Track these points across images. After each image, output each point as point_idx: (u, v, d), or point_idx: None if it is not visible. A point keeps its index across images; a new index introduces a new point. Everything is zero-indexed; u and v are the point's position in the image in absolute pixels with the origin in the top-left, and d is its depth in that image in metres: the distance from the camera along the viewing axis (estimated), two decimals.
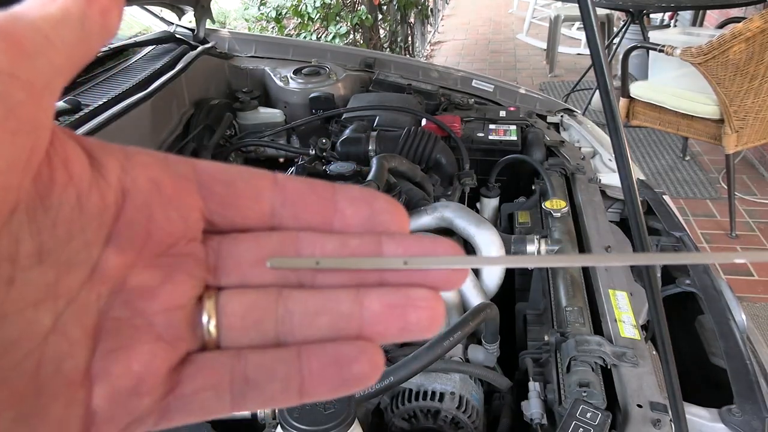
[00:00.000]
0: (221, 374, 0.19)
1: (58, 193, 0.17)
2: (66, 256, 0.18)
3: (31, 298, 0.17)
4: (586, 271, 1.00)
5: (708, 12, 3.83)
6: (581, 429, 0.67)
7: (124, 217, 0.19)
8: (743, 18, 2.45)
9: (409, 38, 4.83)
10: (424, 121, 1.41)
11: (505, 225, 1.26)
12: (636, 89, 2.70)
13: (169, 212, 0.20)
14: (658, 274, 1.05)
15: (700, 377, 0.90)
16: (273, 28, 3.59)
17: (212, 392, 0.19)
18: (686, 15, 4.12)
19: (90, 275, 0.18)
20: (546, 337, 0.85)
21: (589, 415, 0.69)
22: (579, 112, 1.61)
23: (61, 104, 1.12)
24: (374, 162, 1.11)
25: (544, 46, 4.97)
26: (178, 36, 1.64)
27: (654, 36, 2.80)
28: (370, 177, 1.07)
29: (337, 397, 0.21)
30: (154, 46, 1.56)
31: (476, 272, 1.03)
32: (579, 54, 5.02)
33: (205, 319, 0.20)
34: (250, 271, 0.21)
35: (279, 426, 0.62)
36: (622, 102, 2.74)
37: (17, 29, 0.17)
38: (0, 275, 0.16)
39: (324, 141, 1.34)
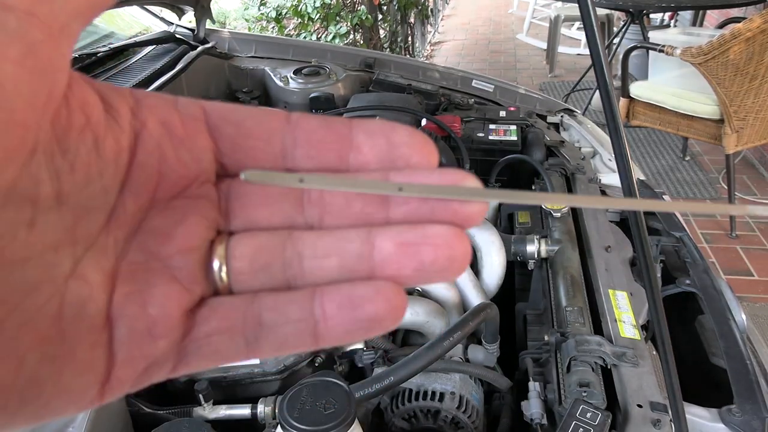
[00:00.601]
0: (234, 317, 0.19)
1: (76, 136, 0.17)
2: (84, 200, 0.18)
3: (51, 242, 0.17)
4: (586, 271, 1.00)
5: (708, 12, 3.83)
6: (581, 429, 0.67)
7: (138, 161, 0.19)
8: (743, 18, 2.46)
9: (409, 38, 4.84)
10: (424, 121, 1.41)
11: (505, 225, 1.26)
12: (636, 89, 2.70)
13: (181, 154, 0.19)
14: (658, 275, 1.05)
15: (700, 377, 0.90)
16: (273, 28, 3.60)
17: (226, 335, 0.19)
18: (686, 15, 4.12)
19: (107, 220, 0.18)
20: (546, 337, 0.85)
21: (589, 415, 0.69)
22: (579, 112, 1.61)
23: None
24: None
25: (544, 46, 4.97)
26: (178, 36, 1.64)
27: (654, 36, 2.80)
28: None
29: (354, 341, 0.19)
30: (154, 46, 1.56)
31: (476, 272, 1.03)
32: (579, 54, 5.02)
33: (216, 264, 0.20)
34: (258, 212, 0.20)
35: (279, 426, 0.62)
36: (622, 102, 2.74)
37: None
38: (21, 217, 0.16)
39: None
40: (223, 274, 0.19)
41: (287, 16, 3.57)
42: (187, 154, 0.19)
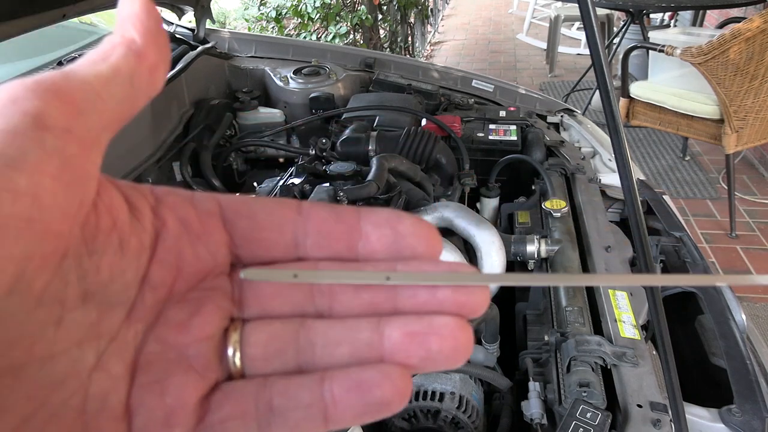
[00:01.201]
0: (247, 402, 0.20)
1: (103, 239, 0.18)
2: (107, 297, 0.19)
3: (76, 338, 0.18)
4: (586, 271, 1.00)
5: (708, 12, 3.83)
6: (581, 429, 0.67)
7: (157, 258, 0.20)
8: (743, 18, 2.45)
9: (409, 38, 4.83)
10: (424, 121, 1.41)
11: (505, 225, 1.26)
12: (636, 89, 2.70)
13: (198, 249, 0.21)
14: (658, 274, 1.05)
15: (700, 377, 0.90)
16: (273, 28, 3.59)
17: (239, 421, 0.20)
18: (686, 15, 4.12)
19: (128, 314, 0.19)
20: (546, 337, 0.85)
21: (589, 415, 0.69)
22: (579, 112, 1.61)
23: None
24: (374, 162, 1.11)
25: (544, 46, 4.97)
26: (178, 36, 1.64)
27: (654, 36, 2.80)
28: (370, 177, 1.07)
29: (363, 423, 0.20)
30: None
31: None
32: (579, 54, 5.02)
33: (230, 351, 0.20)
34: (270, 302, 0.21)
35: None
36: (622, 102, 2.74)
37: (71, 87, 0.18)
38: (50, 317, 0.17)
39: (324, 141, 1.34)
40: (237, 360, 0.20)
41: (287, 16, 3.57)
42: (203, 249, 0.21)
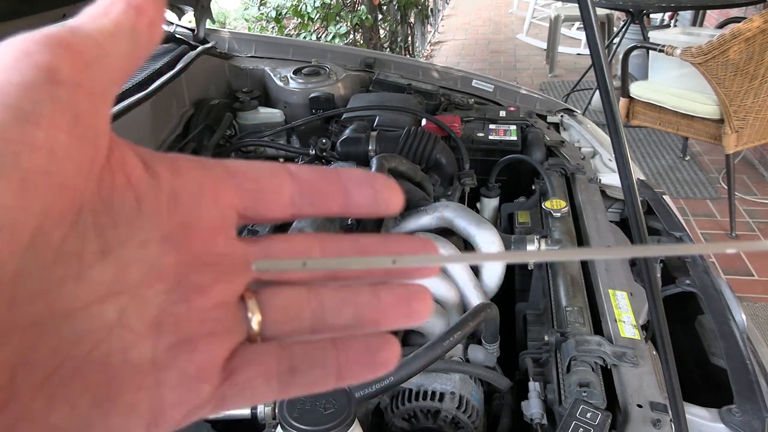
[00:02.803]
0: (270, 363, 0.22)
1: (119, 194, 0.19)
2: (126, 253, 0.19)
3: (96, 294, 0.18)
4: (586, 271, 1.00)
5: (708, 12, 3.83)
6: (581, 429, 0.67)
7: (176, 218, 0.20)
8: (743, 18, 2.46)
9: (409, 38, 4.83)
10: (424, 121, 1.41)
11: (505, 225, 1.26)
12: (636, 89, 2.70)
13: (212, 210, 0.21)
14: (658, 274, 1.05)
15: (700, 377, 0.90)
16: (273, 28, 3.60)
17: (263, 380, 0.21)
18: (686, 15, 4.12)
19: (148, 272, 0.20)
20: (546, 337, 0.85)
21: (589, 415, 0.69)
22: (579, 112, 1.61)
23: None
24: (374, 162, 1.11)
25: (544, 46, 4.97)
26: (178, 36, 1.64)
27: (654, 36, 2.80)
28: None
29: (366, 380, 0.24)
30: None
31: (476, 272, 1.03)
32: (579, 54, 5.02)
33: (249, 315, 0.22)
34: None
35: (279, 426, 0.62)
36: (622, 102, 2.74)
37: (78, 41, 0.18)
38: (69, 272, 0.18)
39: (324, 141, 1.34)
40: (255, 324, 0.22)
41: (287, 16, 3.57)
42: (215, 210, 0.21)
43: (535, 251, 0.23)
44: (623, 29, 3.38)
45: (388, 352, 0.23)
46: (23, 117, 0.16)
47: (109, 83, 0.19)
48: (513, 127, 1.43)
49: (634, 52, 2.72)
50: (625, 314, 0.88)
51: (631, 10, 3.16)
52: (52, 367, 0.17)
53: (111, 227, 0.19)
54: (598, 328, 0.87)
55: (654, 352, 0.82)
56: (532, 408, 0.76)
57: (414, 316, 0.24)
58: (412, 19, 4.81)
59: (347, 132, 1.34)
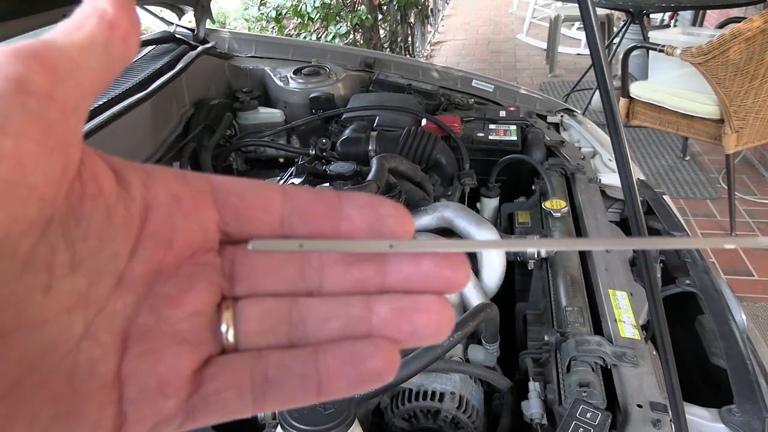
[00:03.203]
0: (242, 374, 0.20)
1: (89, 206, 0.19)
2: (96, 265, 0.19)
3: (65, 305, 0.18)
4: (586, 271, 1.00)
5: (708, 12, 3.83)
6: (581, 429, 0.67)
7: (148, 230, 0.20)
8: (743, 18, 2.45)
9: (409, 38, 4.83)
10: (424, 121, 1.41)
11: (505, 225, 1.26)
12: (636, 89, 2.70)
13: (189, 223, 0.21)
14: (658, 275, 1.05)
15: (700, 377, 0.90)
16: (273, 28, 3.59)
17: (234, 391, 0.20)
18: (686, 15, 4.12)
19: (117, 284, 0.20)
20: (546, 337, 0.85)
21: (589, 415, 0.69)
22: (579, 112, 1.61)
23: None
24: (374, 162, 1.11)
25: (544, 46, 4.97)
26: (178, 36, 1.64)
27: (654, 36, 2.80)
28: (370, 177, 1.07)
29: (352, 395, 0.21)
30: (154, 46, 1.56)
31: (476, 272, 1.03)
32: (579, 54, 5.02)
33: (224, 328, 0.21)
34: (262, 279, 0.22)
35: (279, 426, 0.62)
36: (622, 102, 2.74)
37: (50, 53, 0.18)
38: (38, 283, 0.17)
39: (324, 141, 1.34)
40: (230, 336, 0.21)
41: (287, 16, 3.57)
42: (194, 224, 0.21)
43: (535, 240, 0.22)
44: (623, 29, 3.38)
45: (377, 362, 0.20)
46: None
47: (81, 97, 0.19)
48: (513, 127, 1.43)
49: (634, 52, 2.72)
50: (625, 314, 0.88)
51: (631, 10, 3.16)
52: (17, 378, 0.17)
53: (81, 239, 0.18)
54: (598, 328, 0.87)
55: (654, 352, 0.82)
56: (532, 408, 0.76)
57: (418, 333, 0.20)
58: (412, 19, 4.81)
59: (347, 132, 1.34)
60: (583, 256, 1.04)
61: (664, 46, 2.44)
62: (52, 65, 0.18)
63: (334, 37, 3.50)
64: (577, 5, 0.57)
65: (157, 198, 0.20)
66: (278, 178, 1.27)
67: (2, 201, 0.16)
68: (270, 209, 0.22)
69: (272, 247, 0.21)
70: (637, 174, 1.30)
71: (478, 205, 1.34)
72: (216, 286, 0.21)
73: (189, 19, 1.75)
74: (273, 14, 3.52)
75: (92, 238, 0.19)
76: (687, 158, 3.32)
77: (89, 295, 0.19)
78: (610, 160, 1.36)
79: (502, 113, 1.51)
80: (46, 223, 0.17)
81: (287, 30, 3.64)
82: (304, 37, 3.48)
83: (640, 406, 0.72)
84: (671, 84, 2.62)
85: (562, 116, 1.57)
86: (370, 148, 1.29)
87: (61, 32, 0.19)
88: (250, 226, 0.22)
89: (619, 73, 2.73)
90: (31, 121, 0.17)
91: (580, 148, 1.42)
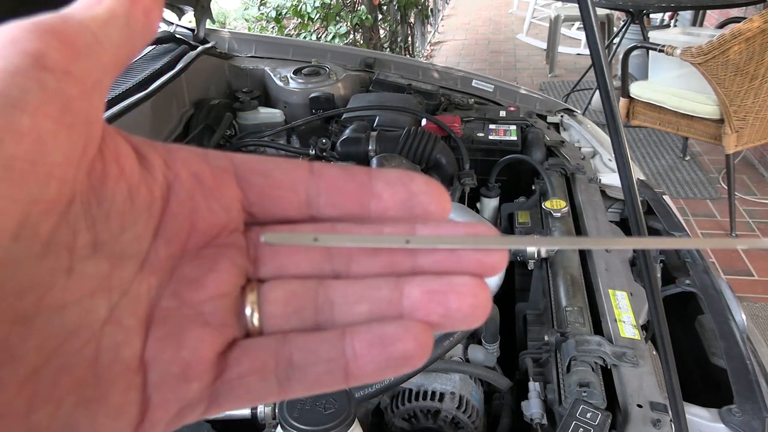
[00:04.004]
0: (266, 358, 0.20)
1: (111, 186, 0.18)
2: (119, 247, 0.18)
3: (87, 288, 0.17)
4: (586, 271, 1.00)
5: (708, 12, 3.83)
6: (581, 429, 0.67)
7: (170, 210, 0.20)
8: (743, 18, 2.46)
9: (409, 38, 4.83)
10: (424, 121, 1.41)
11: (505, 225, 1.26)
12: (636, 89, 2.70)
13: (212, 204, 0.20)
14: (658, 275, 1.05)
15: (700, 377, 0.90)
16: (273, 28, 3.59)
17: (258, 376, 0.20)
18: (686, 15, 4.12)
19: (141, 266, 0.19)
20: (546, 337, 0.85)
21: (589, 415, 0.69)
22: (579, 112, 1.61)
23: None
24: (374, 162, 1.11)
25: (544, 46, 4.97)
26: (178, 36, 1.64)
27: (654, 36, 2.80)
28: None
29: (384, 379, 0.21)
30: (154, 46, 1.56)
31: None
32: (579, 54, 5.02)
33: (248, 311, 0.20)
34: (288, 260, 0.21)
35: (279, 426, 0.62)
36: (622, 102, 2.74)
37: (68, 28, 0.17)
38: (59, 264, 0.17)
39: (324, 141, 1.34)
40: (255, 320, 0.20)
41: (287, 16, 3.57)
42: (216, 204, 0.20)
43: (542, 238, 0.22)
44: (623, 29, 3.38)
45: (407, 344, 0.19)
46: (9, 103, 0.15)
47: (102, 72, 0.18)
48: (513, 127, 1.43)
49: (634, 52, 2.72)
50: (625, 314, 0.88)
51: (631, 10, 3.16)
52: (38, 364, 0.16)
53: (103, 220, 0.18)
54: (598, 328, 0.87)
55: (654, 352, 0.82)
56: (532, 408, 0.76)
57: (452, 317, 0.19)
58: (412, 19, 4.81)
59: (347, 132, 1.34)
60: (583, 256, 1.04)
61: (664, 46, 2.44)
62: (71, 40, 0.17)
63: (334, 37, 3.50)
64: (577, 5, 0.57)
65: (179, 178, 0.20)
66: None
67: (21, 180, 0.15)
68: (296, 188, 0.21)
69: (285, 241, 0.21)
70: (637, 174, 1.30)
71: (478, 205, 1.34)
72: (240, 268, 0.21)
73: (189, 19, 1.75)
74: (273, 14, 3.52)
75: (114, 219, 0.18)
76: (687, 158, 3.32)
77: (112, 278, 0.18)
78: (610, 160, 1.36)
79: (502, 113, 1.51)
80: (67, 204, 0.17)
81: (287, 30, 3.64)
82: (304, 37, 3.48)
83: (640, 406, 0.72)
84: (671, 84, 2.62)
85: (562, 116, 1.57)
86: (370, 148, 1.29)
87: (80, 6, 0.18)
88: (275, 205, 0.21)
89: (619, 73, 2.73)
90: (49, 98, 0.16)
91: (580, 148, 1.42)
